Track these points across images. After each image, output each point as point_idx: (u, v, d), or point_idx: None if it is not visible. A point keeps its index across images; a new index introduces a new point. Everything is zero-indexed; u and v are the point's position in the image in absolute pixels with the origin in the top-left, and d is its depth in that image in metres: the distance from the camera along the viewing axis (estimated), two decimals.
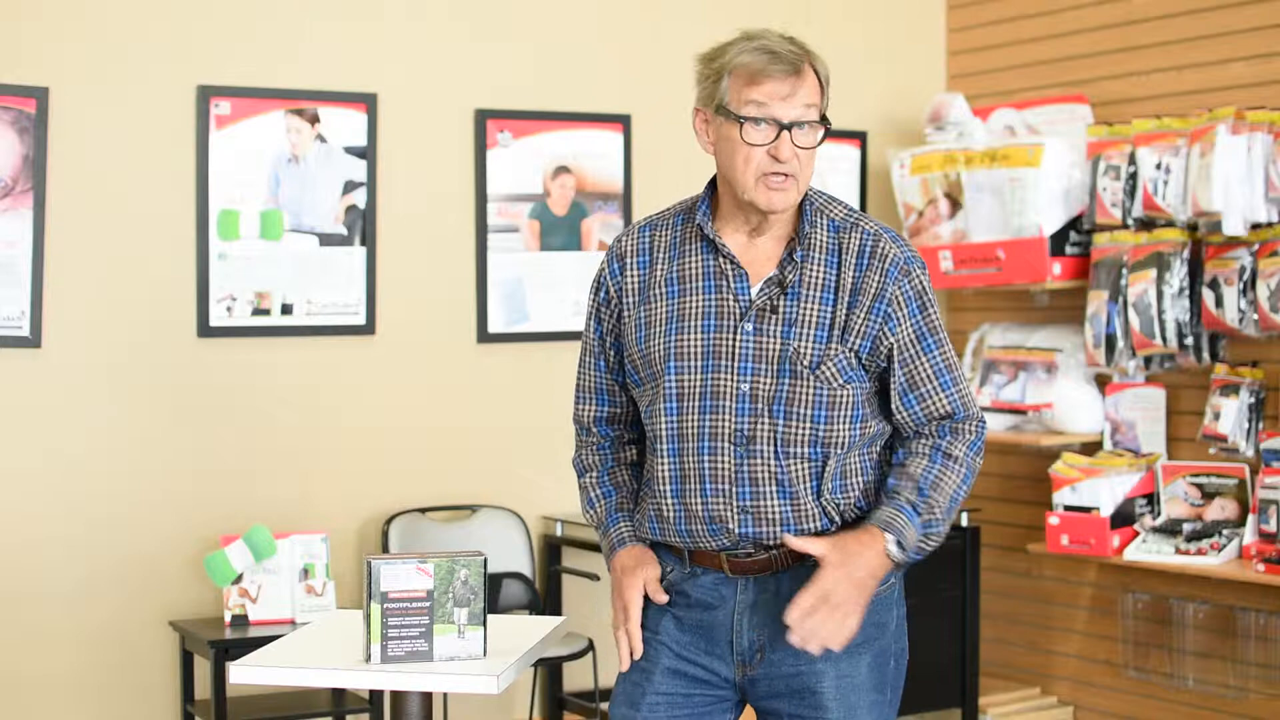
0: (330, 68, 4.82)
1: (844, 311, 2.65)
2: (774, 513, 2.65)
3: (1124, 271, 4.84)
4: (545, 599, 5.03)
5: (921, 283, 2.70)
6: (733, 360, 2.65)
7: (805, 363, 2.64)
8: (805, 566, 2.67)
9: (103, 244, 4.54)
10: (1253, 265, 4.59)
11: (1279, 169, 4.51)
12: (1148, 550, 4.77)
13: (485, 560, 2.78)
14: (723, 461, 2.65)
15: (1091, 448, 5.09)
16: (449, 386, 5.01)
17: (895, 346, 2.68)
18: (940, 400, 2.71)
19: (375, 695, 4.49)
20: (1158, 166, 4.75)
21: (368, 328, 4.86)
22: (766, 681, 2.70)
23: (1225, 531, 4.68)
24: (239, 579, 4.45)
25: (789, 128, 2.60)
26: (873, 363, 2.68)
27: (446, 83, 4.99)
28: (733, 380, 2.65)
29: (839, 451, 2.67)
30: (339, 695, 4.61)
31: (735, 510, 2.65)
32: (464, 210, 5.02)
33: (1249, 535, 4.62)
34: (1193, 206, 4.65)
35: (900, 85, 5.66)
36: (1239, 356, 4.81)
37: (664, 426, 2.69)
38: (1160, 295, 4.76)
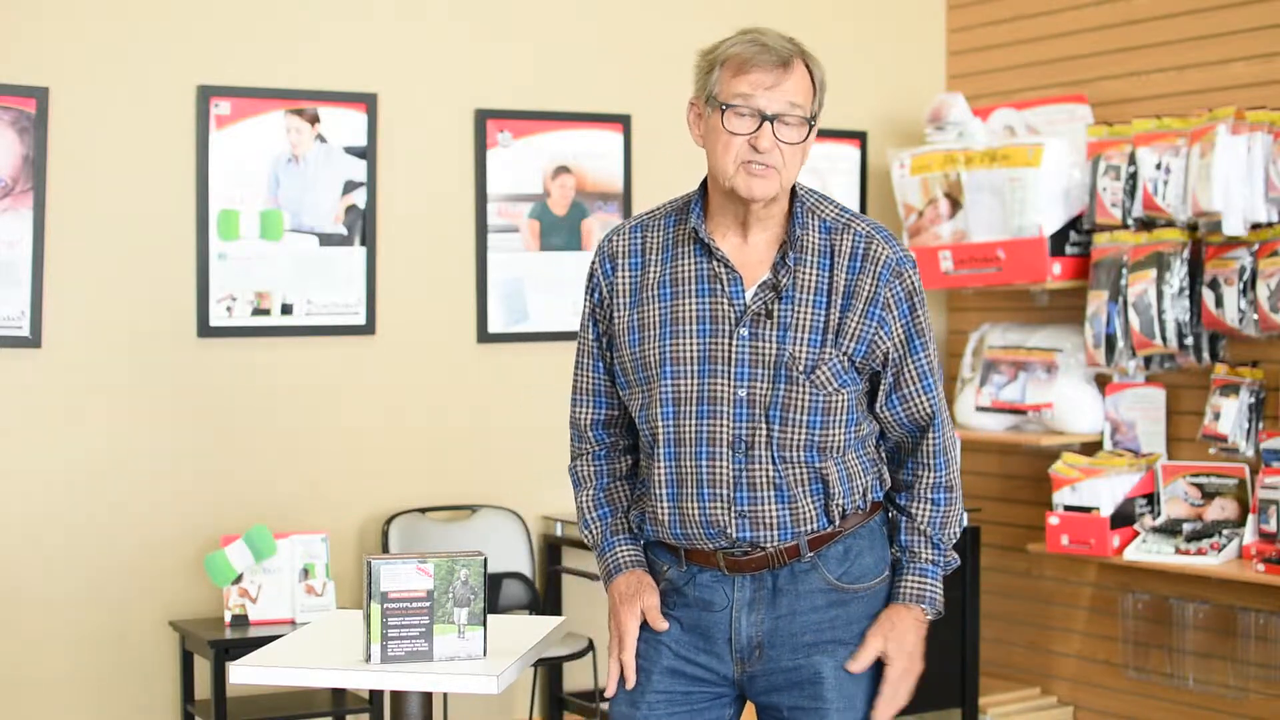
0: (330, 68, 4.82)
1: (837, 315, 2.66)
2: (771, 517, 2.66)
3: (1124, 271, 4.84)
4: (545, 599, 5.03)
5: (913, 282, 2.71)
6: (729, 365, 2.65)
7: (800, 368, 2.64)
8: (801, 562, 2.69)
9: (103, 244, 4.54)
10: (1253, 265, 4.59)
11: (1279, 169, 4.51)
12: (1148, 550, 4.77)
13: (485, 560, 2.79)
14: (721, 467, 2.65)
15: (1091, 448, 5.08)
16: (449, 386, 5.00)
17: (890, 349, 2.69)
18: (923, 403, 2.73)
19: (375, 695, 4.48)
20: (1158, 166, 4.75)
21: (368, 328, 4.86)
22: (765, 677, 2.71)
23: (1225, 531, 4.68)
24: (239, 579, 4.45)
25: (771, 119, 2.59)
26: (866, 366, 2.69)
27: (446, 83, 4.99)
28: (729, 385, 2.65)
29: (835, 455, 2.68)
30: (339, 695, 4.61)
31: (733, 515, 2.66)
32: (464, 210, 5.02)
33: (1249, 535, 4.62)
34: (1193, 206, 4.64)
35: (900, 85, 5.66)
36: (1239, 356, 4.80)
37: (661, 430, 2.68)
38: (1160, 295, 4.76)
